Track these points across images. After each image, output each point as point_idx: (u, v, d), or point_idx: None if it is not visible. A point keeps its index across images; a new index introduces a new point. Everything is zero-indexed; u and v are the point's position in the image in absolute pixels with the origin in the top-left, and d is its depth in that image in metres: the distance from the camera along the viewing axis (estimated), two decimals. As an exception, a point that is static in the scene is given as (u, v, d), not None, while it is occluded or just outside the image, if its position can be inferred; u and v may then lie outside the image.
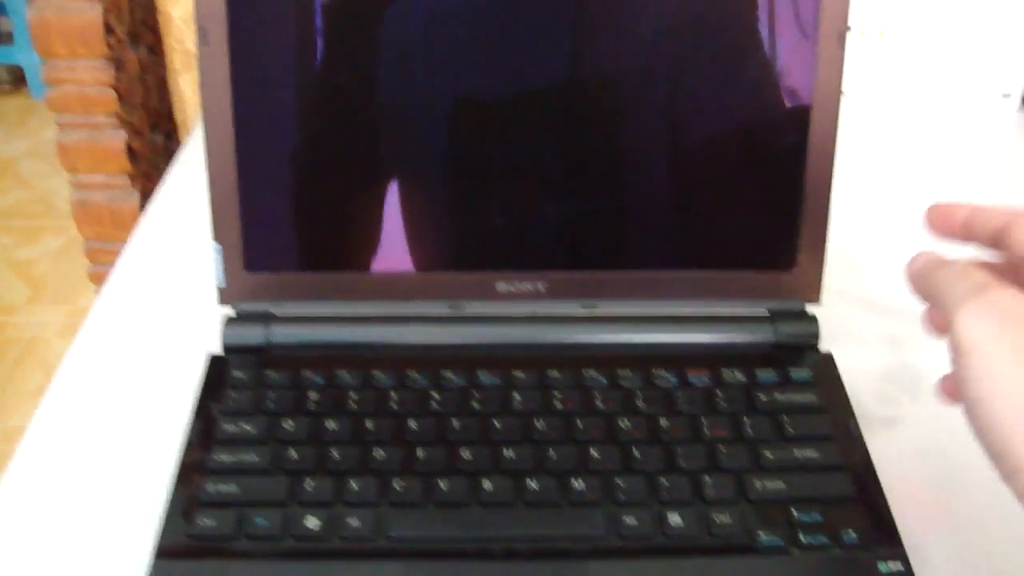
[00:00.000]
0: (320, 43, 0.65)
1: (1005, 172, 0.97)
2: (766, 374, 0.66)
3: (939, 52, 1.02)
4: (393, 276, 0.69)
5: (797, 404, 0.64)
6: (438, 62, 0.65)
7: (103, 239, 1.03)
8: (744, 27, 0.65)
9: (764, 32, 0.65)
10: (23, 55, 2.93)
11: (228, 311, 0.69)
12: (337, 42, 0.65)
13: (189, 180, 0.90)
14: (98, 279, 0.99)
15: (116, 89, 0.95)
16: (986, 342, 0.45)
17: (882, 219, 0.87)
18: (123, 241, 0.85)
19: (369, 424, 0.62)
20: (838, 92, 0.65)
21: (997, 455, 0.45)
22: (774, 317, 0.69)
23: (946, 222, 0.54)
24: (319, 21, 0.65)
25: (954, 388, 0.51)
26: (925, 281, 0.51)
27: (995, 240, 0.51)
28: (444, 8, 0.64)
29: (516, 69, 0.65)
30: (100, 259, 1.05)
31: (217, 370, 0.66)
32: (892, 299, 0.77)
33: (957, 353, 0.46)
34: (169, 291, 0.78)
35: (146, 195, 1.01)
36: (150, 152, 1.04)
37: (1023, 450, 0.43)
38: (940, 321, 0.55)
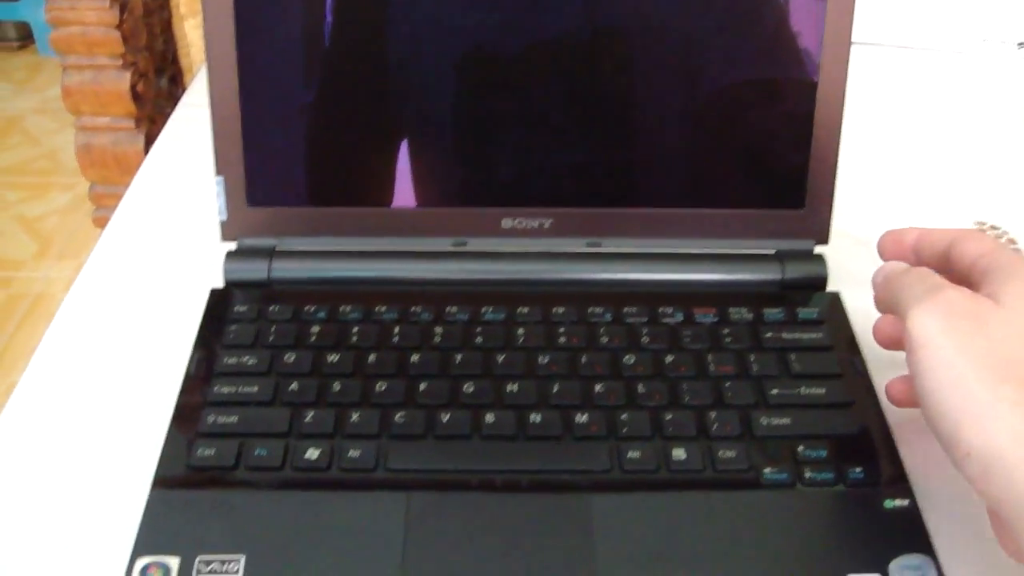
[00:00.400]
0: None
1: (1018, 121, 0.95)
2: (773, 312, 0.65)
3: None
4: (397, 212, 0.68)
5: (804, 342, 0.63)
6: (449, 7, 0.64)
7: (107, 183, 1.03)
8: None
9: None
10: (30, 12, 2.92)
11: (230, 246, 0.68)
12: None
13: (193, 121, 0.89)
14: (102, 223, 0.98)
15: (120, 30, 0.94)
16: (936, 336, 0.49)
17: (891, 164, 0.86)
18: (127, 185, 0.84)
19: (371, 358, 0.61)
20: (850, 29, 0.64)
21: (949, 442, 0.48)
22: (782, 257, 0.68)
23: (897, 247, 0.60)
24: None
25: (900, 391, 0.59)
26: (887, 288, 0.56)
27: (943, 258, 0.56)
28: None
29: (525, 17, 0.64)
30: (104, 203, 1.04)
31: (218, 304, 0.66)
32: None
33: (910, 348, 0.50)
34: (171, 230, 0.77)
35: (151, 139, 1.00)
36: (155, 95, 1.03)
37: (971, 436, 0.46)
38: (886, 333, 0.60)
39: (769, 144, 0.68)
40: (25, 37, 3.07)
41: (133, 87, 0.97)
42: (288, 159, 0.67)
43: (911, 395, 0.57)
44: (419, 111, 0.67)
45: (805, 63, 0.65)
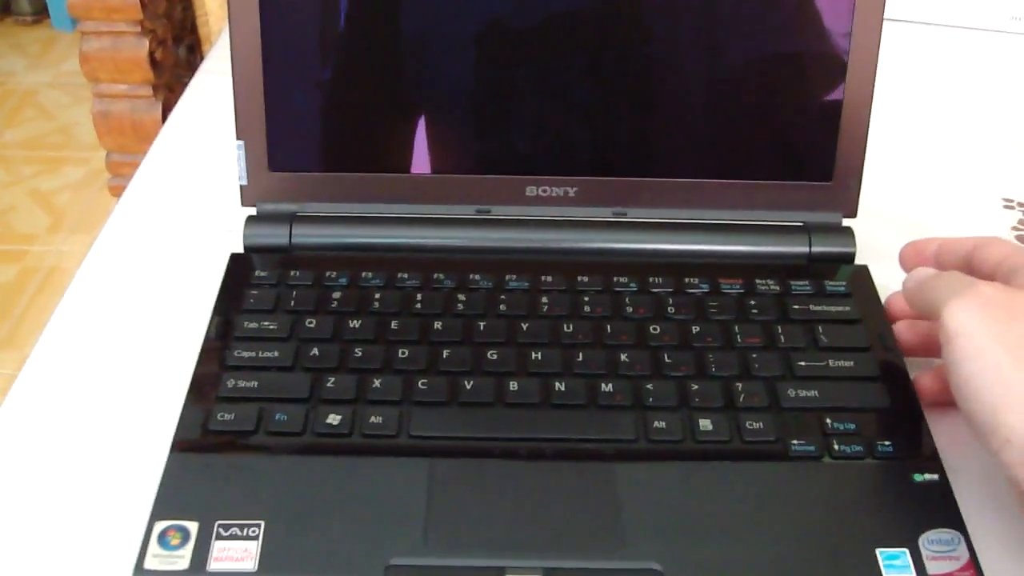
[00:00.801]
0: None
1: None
2: (800, 284, 0.64)
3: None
4: (420, 179, 0.67)
5: (832, 314, 0.62)
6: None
7: (125, 151, 1.02)
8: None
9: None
10: (46, -14, 2.91)
11: (250, 212, 0.67)
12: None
13: (212, 89, 0.89)
14: (119, 192, 0.97)
15: (139, -3, 0.93)
16: (971, 325, 0.49)
17: (920, 140, 0.85)
18: (144, 154, 0.83)
19: (393, 324, 0.61)
20: (882, 3, 0.63)
21: (986, 430, 0.48)
22: (809, 229, 0.67)
23: (918, 258, 0.61)
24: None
25: (929, 387, 0.58)
26: (919, 292, 0.56)
27: (965, 265, 0.57)
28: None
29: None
30: (121, 172, 1.03)
31: (238, 269, 0.65)
32: (929, 218, 0.76)
33: (946, 339, 0.50)
34: (189, 197, 0.77)
35: (168, 107, 0.99)
36: (173, 64, 1.02)
37: (1012, 420, 0.46)
38: (906, 338, 0.61)
39: (798, 115, 0.67)
40: (40, 11, 3.06)
41: (151, 54, 0.96)
42: (310, 124, 0.67)
43: (940, 390, 0.57)
44: (441, 78, 0.66)
45: (836, 34, 0.64)
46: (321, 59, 0.66)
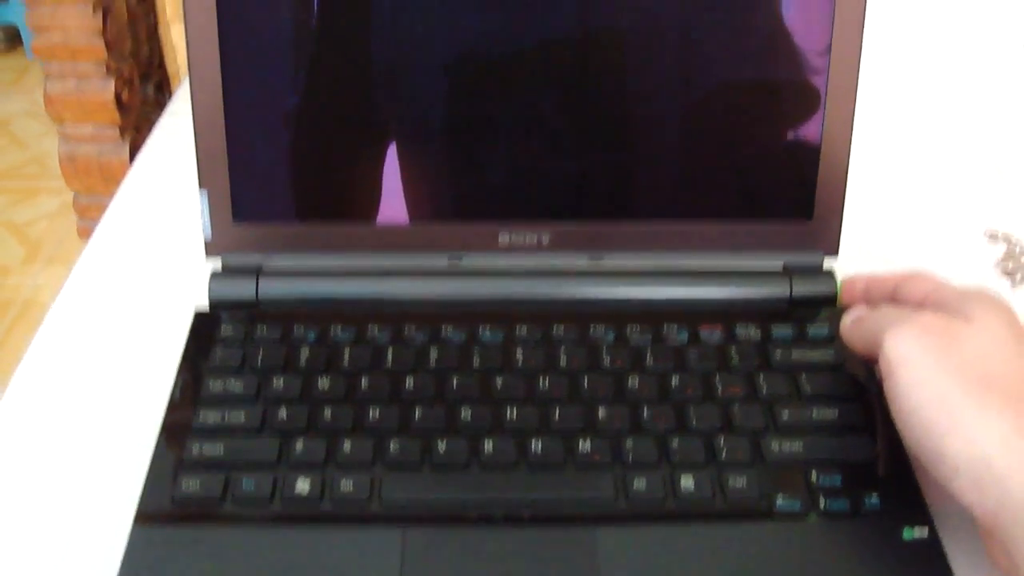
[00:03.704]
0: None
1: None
2: (782, 330, 0.62)
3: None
4: (389, 227, 0.65)
5: (815, 361, 0.60)
6: (439, 9, 0.61)
7: (92, 193, 1.00)
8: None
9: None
10: (17, 14, 2.89)
11: (216, 264, 0.65)
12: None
13: (179, 131, 0.87)
14: (87, 234, 0.96)
15: (104, 38, 0.91)
16: (912, 353, 0.50)
17: (902, 170, 0.84)
18: (112, 195, 0.82)
19: (363, 382, 0.59)
20: (859, 35, 0.62)
21: (935, 459, 0.48)
22: (790, 271, 0.65)
23: (849, 294, 0.63)
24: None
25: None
26: (856, 330, 0.57)
27: (892, 301, 0.59)
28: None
29: (521, 17, 0.61)
30: (89, 214, 1.01)
31: (203, 326, 0.63)
32: (912, 253, 0.74)
33: (888, 371, 0.50)
34: (156, 245, 0.75)
35: (136, 148, 0.97)
36: (140, 103, 1.00)
37: (958, 446, 0.47)
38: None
39: (777, 153, 0.65)
40: (13, 39, 3.04)
41: (118, 95, 0.94)
42: (275, 173, 0.65)
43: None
44: (409, 124, 0.64)
45: (813, 70, 0.63)
46: (285, 106, 0.64)
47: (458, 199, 0.66)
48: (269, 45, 0.62)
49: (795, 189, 0.65)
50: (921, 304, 0.56)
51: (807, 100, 0.64)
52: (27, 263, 2.25)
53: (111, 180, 0.97)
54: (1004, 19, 0.98)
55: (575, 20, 0.61)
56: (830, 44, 0.62)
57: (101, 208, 0.80)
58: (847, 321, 0.58)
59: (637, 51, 0.63)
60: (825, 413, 0.57)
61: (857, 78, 0.63)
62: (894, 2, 1.01)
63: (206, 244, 0.65)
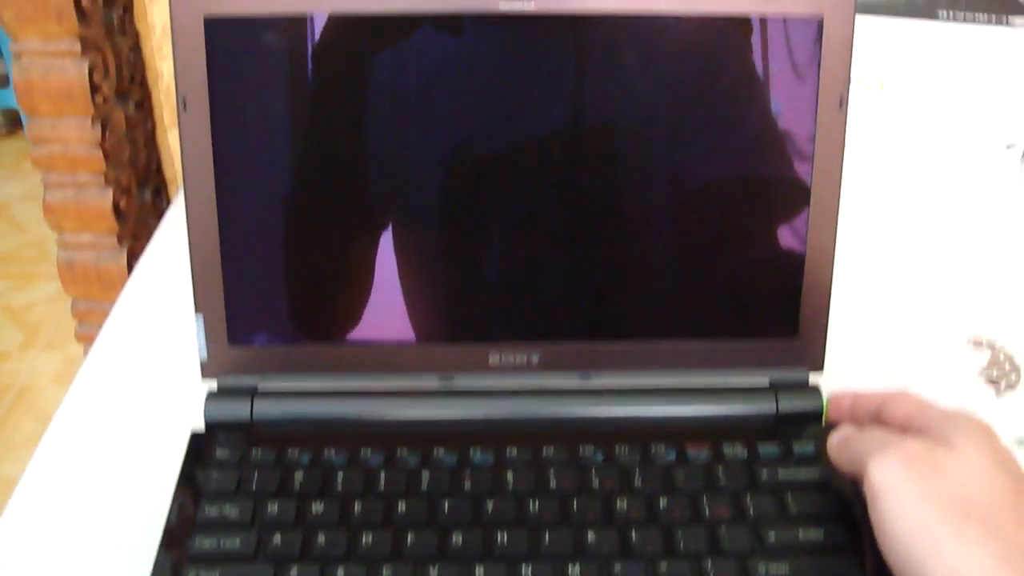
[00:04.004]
0: (305, 109, 0.63)
1: (1011, 225, 0.94)
2: (768, 448, 0.63)
3: (941, 103, 1.01)
4: (382, 349, 0.66)
5: (801, 480, 0.61)
6: (426, 137, 0.63)
7: (90, 299, 1.01)
8: (743, 96, 0.64)
9: (763, 96, 0.63)
10: (18, 99, 2.91)
11: (211, 385, 0.66)
12: (322, 108, 0.63)
13: (176, 241, 0.88)
14: (85, 339, 0.97)
15: (103, 148, 0.93)
16: (895, 481, 0.51)
17: (885, 279, 0.85)
18: (111, 301, 0.83)
19: (357, 507, 0.59)
20: (840, 155, 0.64)
21: None
22: (776, 388, 0.66)
23: (836, 411, 0.64)
24: (303, 87, 0.63)
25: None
26: (844, 450, 0.57)
27: (875, 418, 0.60)
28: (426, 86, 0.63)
29: (509, 136, 0.63)
30: (87, 319, 1.03)
31: (199, 448, 0.64)
32: (897, 362, 0.75)
33: (872, 497, 0.51)
34: (155, 360, 0.76)
35: (134, 254, 0.99)
36: (138, 210, 1.02)
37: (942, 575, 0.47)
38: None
39: (761, 271, 0.67)
40: (13, 123, 3.07)
41: (116, 204, 0.96)
42: (270, 296, 0.66)
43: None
44: (402, 247, 0.65)
45: (796, 192, 0.64)
46: (279, 232, 0.65)
47: (450, 320, 0.68)
48: (264, 172, 0.64)
49: (780, 306, 0.66)
50: (905, 424, 0.57)
51: (791, 220, 0.65)
52: (24, 348, 2.26)
53: (109, 287, 0.99)
54: (985, 123, 1.00)
55: (562, 141, 0.63)
56: (812, 169, 0.64)
57: (99, 314, 0.81)
58: (833, 441, 0.59)
59: (620, 177, 0.64)
60: (812, 533, 0.58)
61: (839, 197, 0.64)
62: (873, 110, 1.02)
63: (202, 366, 0.66)
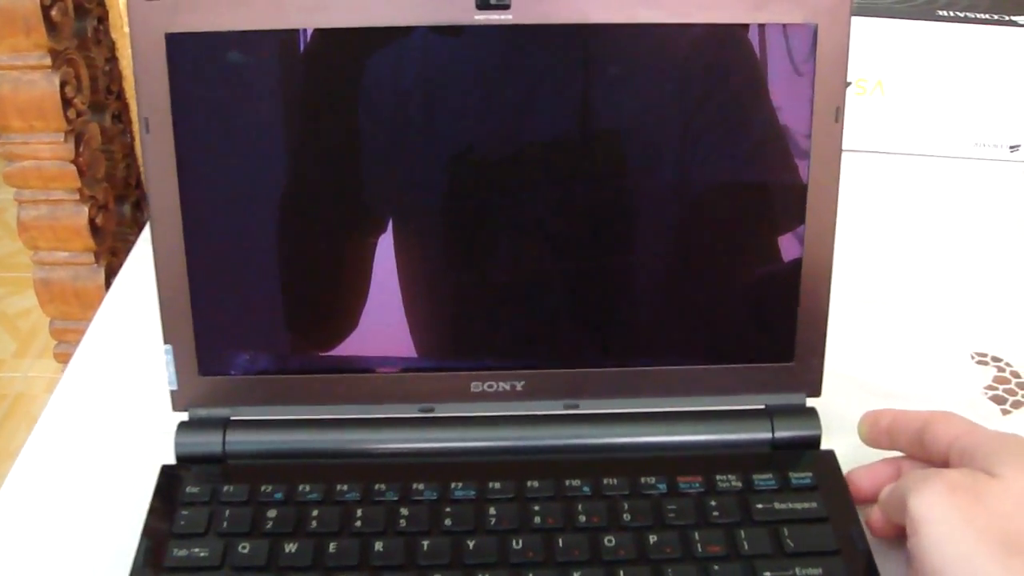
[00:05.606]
0: (272, 129, 0.60)
1: (1017, 231, 0.91)
2: (763, 479, 0.60)
3: (942, 105, 0.98)
4: (358, 378, 0.64)
5: (798, 513, 0.58)
6: (398, 161, 0.60)
7: (67, 318, 0.99)
8: (735, 109, 0.61)
9: (757, 108, 0.61)
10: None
11: (182, 416, 0.64)
12: (292, 127, 0.61)
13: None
14: (63, 359, 0.94)
15: (77, 163, 0.90)
16: (938, 512, 0.49)
17: (884, 289, 0.82)
18: (88, 320, 0.80)
19: (331, 546, 0.57)
20: (836, 171, 0.61)
21: None
22: (772, 413, 0.64)
23: (873, 429, 0.61)
24: (271, 105, 0.60)
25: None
26: (891, 499, 0.55)
27: (916, 441, 0.58)
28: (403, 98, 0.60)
29: (482, 164, 0.60)
30: (65, 338, 1.00)
31: (169, 482, 0.61)
32: (897, 380, 0.72)
33: (913, 529, 0.50)
34: (129, 385, 0.73)
35: (112, 271, 0.96)
36: (116, 225, 0.99)
37: None
38: (882, 523, 0.58)
39: (756, 295, 0.64)
40: (5, 127, 3.04)
41: (92, 220, 0.93)
42: (241, 325, 0.64)
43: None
44: (378, 274, 0.63)
45: (791, 211, 0.62)
46: (249, 258, 0.63)
47: (430, 348, 0.65)
48: (232, 196, 0.61)
49: (776, 331, 0.63)
50: (947, 450, 0.55)
51: (786, 243, 0.63)
52: (18, 356, 2.23)
53: (87, 305, 0.96)
54: (988, 125, 0.97)
55: (536, 169, 0.61)
56: (806, 193, 0.61)
57: (77, 332, 0.79)
58: (883, 494, 0.57)
59: (612, 199, 0.62)
60: (808, 571, 0.55)
61: (835, 215, 0.62)
62: (872, 115, 1.00)
63: (172, 397, 0.63)
